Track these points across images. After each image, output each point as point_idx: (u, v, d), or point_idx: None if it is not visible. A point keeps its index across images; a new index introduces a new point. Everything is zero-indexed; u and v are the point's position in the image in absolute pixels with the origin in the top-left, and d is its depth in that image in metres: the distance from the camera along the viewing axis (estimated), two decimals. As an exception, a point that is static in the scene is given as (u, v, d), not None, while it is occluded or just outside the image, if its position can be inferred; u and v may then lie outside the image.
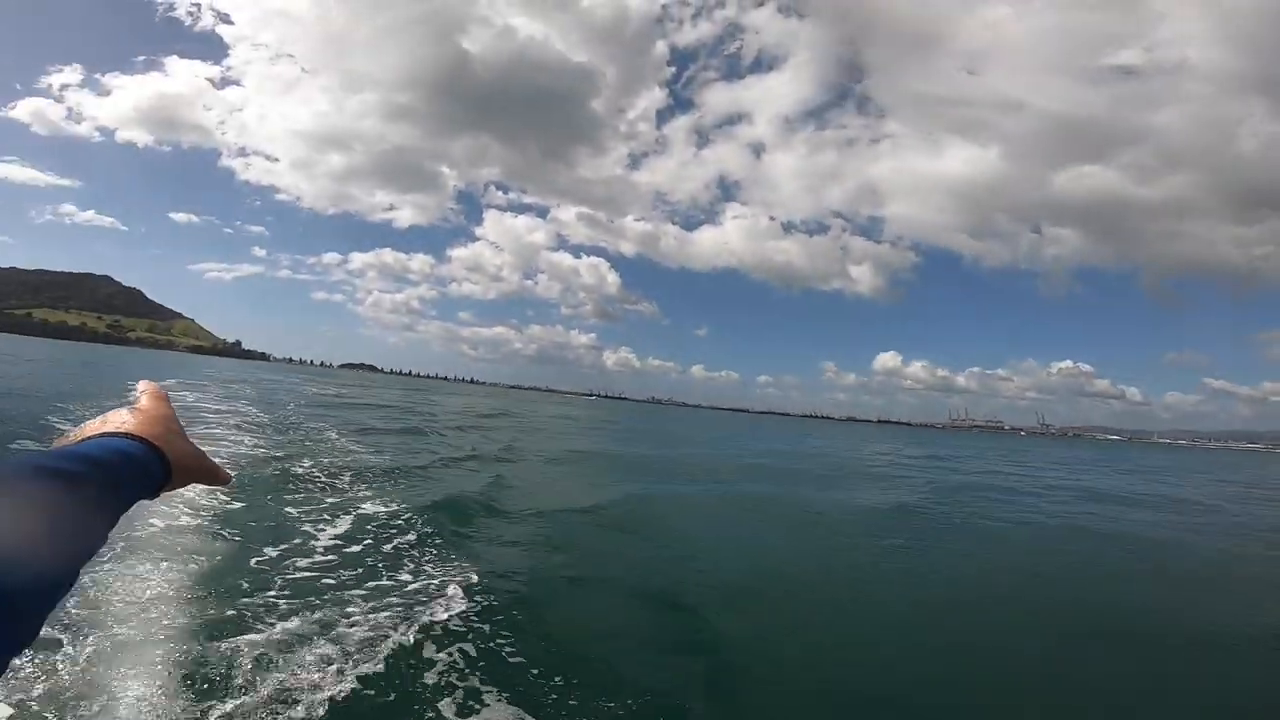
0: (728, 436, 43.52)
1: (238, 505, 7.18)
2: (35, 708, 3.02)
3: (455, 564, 6.25)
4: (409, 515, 7.97)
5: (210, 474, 0.74)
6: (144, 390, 0.76)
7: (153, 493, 0.66)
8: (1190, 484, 27.22)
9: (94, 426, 0.67)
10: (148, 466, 0.64)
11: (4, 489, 0.48)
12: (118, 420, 0.68)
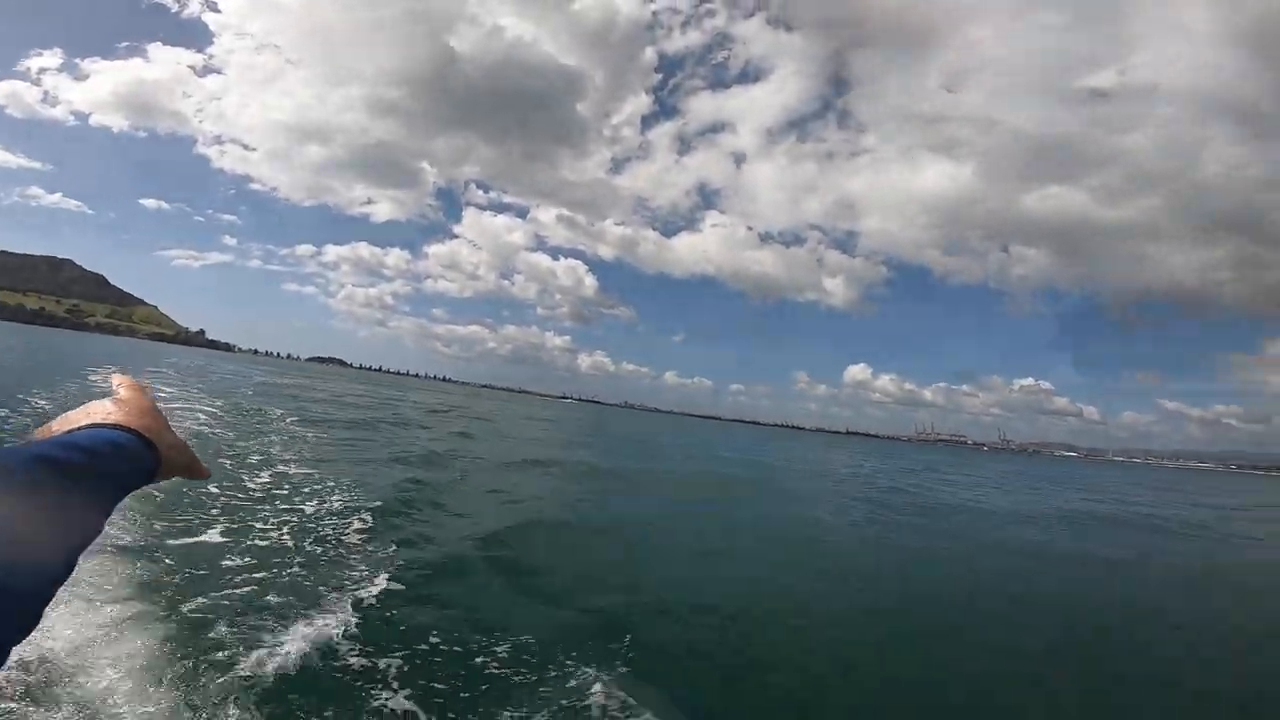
0: (699, 443, 44.18)
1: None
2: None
3: (379, 560, 6.23)
4: (345, 506, 8.12)
5: (193, 467, 0.74)
6: (120, 383, 0.76)
7: (142, 483, 0.65)
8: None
9: (77, 417, 0.65)
10: (139, 457, 0.64)
11: (3, 478, 0.48)
12: (103, 411, 0.66)
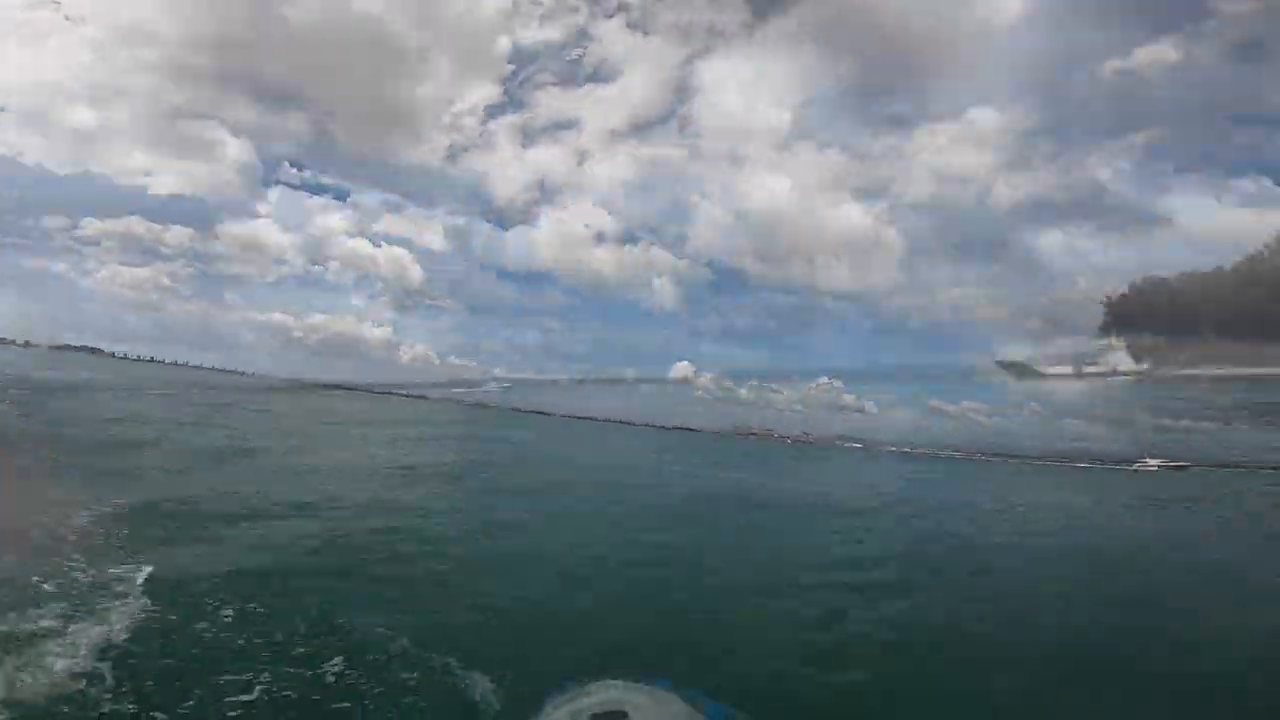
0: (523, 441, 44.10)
1: None
2: None
3: (130, 563, 6.22)
4: (85, 510, 7.61)
5: None
6: None
7: None
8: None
9: None
10: None
11: None
12: None
